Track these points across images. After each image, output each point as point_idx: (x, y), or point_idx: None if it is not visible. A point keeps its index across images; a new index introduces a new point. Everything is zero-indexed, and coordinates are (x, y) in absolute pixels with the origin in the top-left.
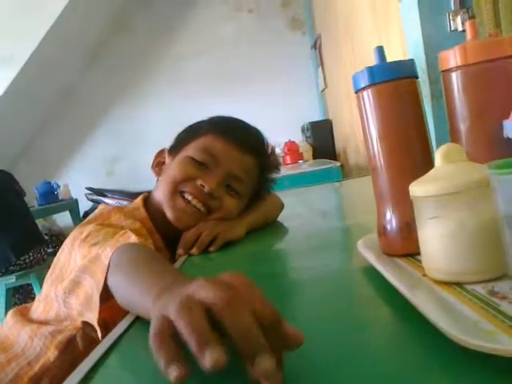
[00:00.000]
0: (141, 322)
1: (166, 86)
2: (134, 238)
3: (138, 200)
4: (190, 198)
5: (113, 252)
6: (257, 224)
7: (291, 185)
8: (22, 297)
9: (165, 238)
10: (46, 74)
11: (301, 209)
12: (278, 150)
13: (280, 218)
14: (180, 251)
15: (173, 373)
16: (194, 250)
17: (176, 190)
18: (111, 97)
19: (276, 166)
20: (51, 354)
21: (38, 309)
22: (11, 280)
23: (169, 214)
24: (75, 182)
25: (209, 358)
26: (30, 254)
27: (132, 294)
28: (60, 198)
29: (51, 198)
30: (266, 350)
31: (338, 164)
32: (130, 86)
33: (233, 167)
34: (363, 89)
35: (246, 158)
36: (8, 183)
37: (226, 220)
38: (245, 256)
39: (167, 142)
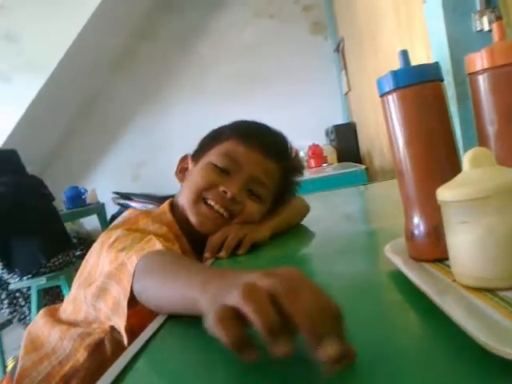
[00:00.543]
0: (170, 324)
1: (190, 91)
2: (159, 245)
3: (165, 205)
4: (212, 203)
5: (138, 260)
6: (281, 227)
7: (315, 188)
8: (51, 298)
9: (191, 242)
10: (72, 82)
11: (326, 212)
12: (301, 154)
13: (305, 222)
14: (207, 255)
15: (248, 356)
16: (222, 254)
17: (199, 197)
18: (136, 103)
19: (300, 169)
20: (80, 356)
21: (67, 309)
22: (42, 282)
23: (192, 219)
24: (102, 187)
25: (281, 347)
26: (60, 257)
27: (165, 291)
28: (87, 202)
29: (79, 202)
30: (332, 332)
31: (363, 167)
32: (155, 93)
33: (255, 171)
34: (388, 93)
35: (268, 162)
36: (38, 188)
37: (249, 224)
38: (271, 260)
39: (191, 147)
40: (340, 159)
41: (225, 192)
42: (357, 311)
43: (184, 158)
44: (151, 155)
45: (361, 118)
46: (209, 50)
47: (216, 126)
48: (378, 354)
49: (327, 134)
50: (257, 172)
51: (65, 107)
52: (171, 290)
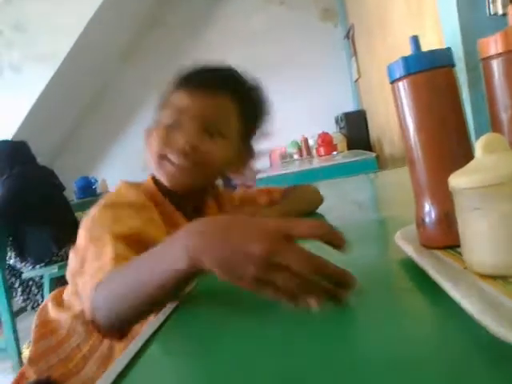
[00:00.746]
0: (183, 308)
1: None
2: (110, 254)
3: (149, 176)
4: (172, 158)
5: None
6: (289, 212)
7: (325, 176)
8: (63, 286)
9: (180, 204)
10: (82, 72)
11: (336, 201)
12: (311, 142)
13: (317, 210)
14: None
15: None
16: None
17: (159, 159)
18: (145, 92)
19: (262, 100)
20: (96, 339)
21: (71, 296)
22: (54, 270)
23: (164, 181)
24: (112, 177)
25: (314, 301)
26: (71, 246)
27: (137, 273)
28: (98, 191)
29: (89, 192)
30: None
31: (374, 155)
32: (163, 82)
33: (204, 112)
34: (398, 79)
35: (217, 98)
36: (49, 178)
37: (225, 166)
38: None
39: None
40: (350, 147)
41: (180, 144)
42: (368, 299)
43: (147, 132)
44: None
45: (371, 105)
46: (217, 37)
47: None
48: (389, 341)
49: (337, 121)
50: (207, 112)
51: (75, 97)
52: (143, 269)
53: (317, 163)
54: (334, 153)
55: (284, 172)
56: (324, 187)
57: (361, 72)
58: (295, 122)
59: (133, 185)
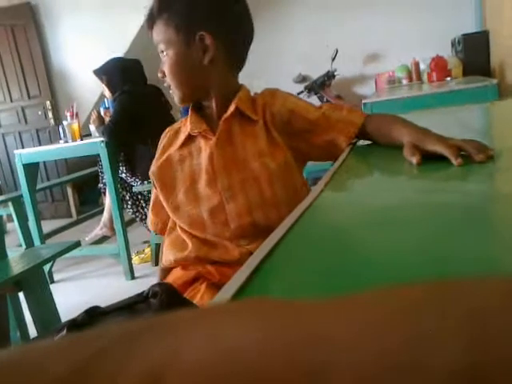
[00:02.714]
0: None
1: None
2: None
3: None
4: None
5: None
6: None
7: (436, 104)
8: None
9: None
10: None
11: (455, 129)
12: (422, 66)
13: None
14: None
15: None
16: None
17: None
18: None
19: None
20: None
21: None
22: None
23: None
24: None
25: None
26: None
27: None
28: None
29: None
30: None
31: (494, 81)
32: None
33: (156, 41)
34: None
35: (157, 26)
36: (159, 96)
37: (186, 65)
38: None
39: (299, 58)
40: (466, 73)
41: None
42: None
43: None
44: (263, 67)
45: (496, 26)
46: None
47: (330, 38)
48: None
49: (453, 44)
50: (155, 40)
51: None
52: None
53: (427, 89)
54: (448, 78)
55: (390, 98)
56: (436, 115)
57: None
58: (405, 44)
59: None
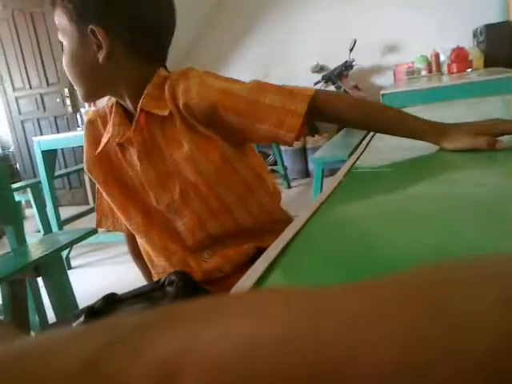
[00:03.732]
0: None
1: None
2: None
3: None
4: None
5: None
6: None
7: (456, 96)
8: None
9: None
10: None
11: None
12: (442, 57)
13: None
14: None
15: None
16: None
17: None
18: (265, 4)
19: None
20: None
21: None
22: None
23: None
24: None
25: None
26: None
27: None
28: None
29: None
30: None
31: None
32: None
33: (57, 25)
34: None
35: (55, 16)
36: None
37: (81, 60)
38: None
39: (317, 48)
40: (487, 64)
41: None
42: None
43: None
44: (280, 56)
45: None
46: None
47: (344, 29)
48: None
49: (475, 35)
50: (57, 33)
51: (192, 11)
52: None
53: (447, 81)
54: (468, 70)
55: (409, 89)
56: (456, 107)
57: None
58: (425, 35)
59: None
